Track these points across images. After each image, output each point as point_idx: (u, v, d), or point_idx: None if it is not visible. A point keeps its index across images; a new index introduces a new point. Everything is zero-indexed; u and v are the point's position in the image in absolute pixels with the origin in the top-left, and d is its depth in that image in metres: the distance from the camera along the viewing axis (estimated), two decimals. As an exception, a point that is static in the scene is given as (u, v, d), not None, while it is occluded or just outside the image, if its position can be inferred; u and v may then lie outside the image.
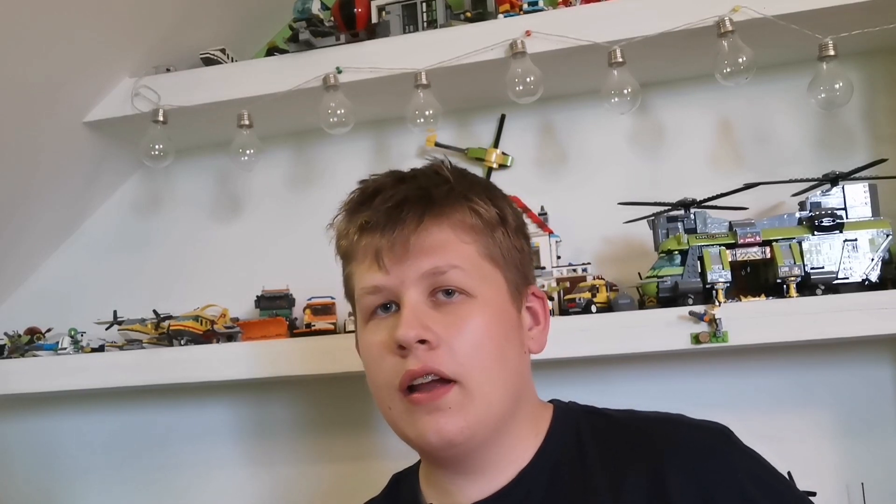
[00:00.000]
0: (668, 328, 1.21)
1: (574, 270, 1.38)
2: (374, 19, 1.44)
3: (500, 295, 0.83)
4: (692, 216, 1.28)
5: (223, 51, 1.50)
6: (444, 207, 0.81)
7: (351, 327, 1.38)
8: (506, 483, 0.83)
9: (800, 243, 1.22)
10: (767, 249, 1.23)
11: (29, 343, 1.51)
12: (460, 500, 0.84)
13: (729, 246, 1.24)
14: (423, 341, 0.77)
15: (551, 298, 1.31)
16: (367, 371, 0.84)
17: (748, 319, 1.19)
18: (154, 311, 1.48)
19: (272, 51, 1.50)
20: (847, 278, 1.21)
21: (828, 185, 1.28)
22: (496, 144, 1.55)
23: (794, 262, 1.21)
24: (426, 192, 0.81)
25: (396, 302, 0.81)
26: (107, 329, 1.51)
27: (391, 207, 0.79)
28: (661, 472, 0.79)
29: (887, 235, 1.22)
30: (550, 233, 1.42)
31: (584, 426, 0.86)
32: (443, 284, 0.79)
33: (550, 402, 0.91)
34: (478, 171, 1.54)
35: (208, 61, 1.50)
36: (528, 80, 1.31)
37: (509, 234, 0.85)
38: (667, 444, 0.81)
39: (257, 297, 1.51)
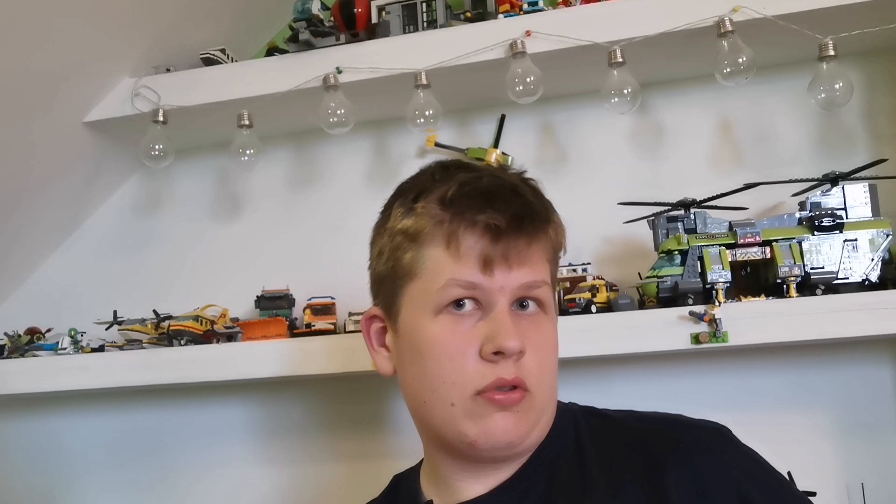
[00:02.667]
0: (668, 328, 1.21)
1: (574, 270, 1.38)
2: (374, 19, 1.44)
3: (555, 313, 0.88)
4: (692, 216, 1.28)
5: (223, 51, 1.50)
6: (547, 225, 0.85)
7: (351, 327, 1.38)
8: (505, 479, 0.84)
9: (800, 243, 1.22)
10: (767, 249, 1.23)
11: (29, 343, 1.51)
12: (461, 496, 0.84)
13: (729, 246, 1.24)
14: (521, 350, 0.80)
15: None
16: (427, 363, 0.82)
17: (748, 319, 1.19)
18: (154, 311, 1.48)
19: (272, 51, 1.50)
20: (847, 278, 1.21)
21: (828, 185, 1.28)
22: (496, 144, 1.55)
23: (794, 262, 1.21)
24: (541, 207, 0.84)
25: (479, 302, 0.81)
26: (107, 329, 1.51)
27: (517, 216, 0.81)
28: (659, 470, 0.79)
29: (887, 235, 1.22)
30: (550, 233, 1.41)
31: (582, 425, 0.87)
32: (531, 295, 0.82)
33: None
34: (478, 171, 1.54)
35: (208, 61, 1.50)
36: (528, 80, 1.31)
37: (559, 263, 0.91)
38: (664, 443, 0.82)
39: (257, 297, 1.51)
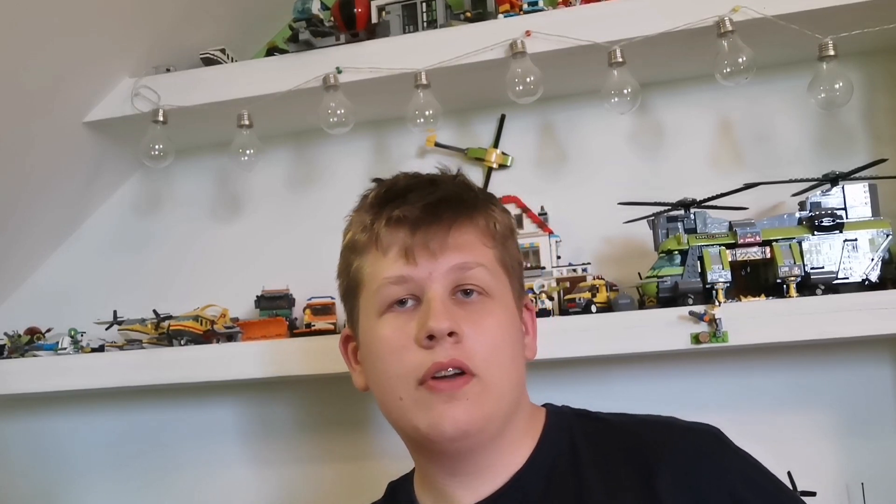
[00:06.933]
0: (668, 328, 1.21)
1: (574, 270, 1.38)
2: (374, 19, 1.44)
3: (510, 299, 0.87)
4: (692, 216, 1.28)
5: (223, 51, 1.50)
6: (473, 211, 0.86)
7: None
8: (501, 486, 0.84)
9: (800, 243, 1.22)
10: (767, 249, 1.23)
11: (29, 343, 1.51)
12: (455, 503, 0.85)
13: (729, 246, 1.24)
14: (451, 333, 0.79)
15: (551, 298, 1.31)
16: (377, 363, 0.84)
17: (748, 319, 1.19)
18: (154, 311, 1.48)
19: (272, 51, 1.50)
20: (847, 278, 1.21)
21: (828, 185, 1.28)
22: (496, 144, 1.55)
23: (794, 262, 1.21)
24: (458, 195, 0.85)
25: (418, 296, 0.82)
26: (107, 329, 1.51)
27: (430, 204, 0.82)
28: (652, 473, 0.79)
29: (887, 235, 1.22)
30: (550, 233, 1.42)
31: (576, 429, 0.87)
32: (467, 280, 0.83)
33: (543, 406, 0.92)
34: (478, 171, 1.54)
35: (208, 61, 1.50)
36: (528, 80, 1.31)
37: (515, 247, 0.91)
38: (657, 447, 0.82)
39: (257, 297, 1.51)
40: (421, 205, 0.83)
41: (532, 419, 0.89)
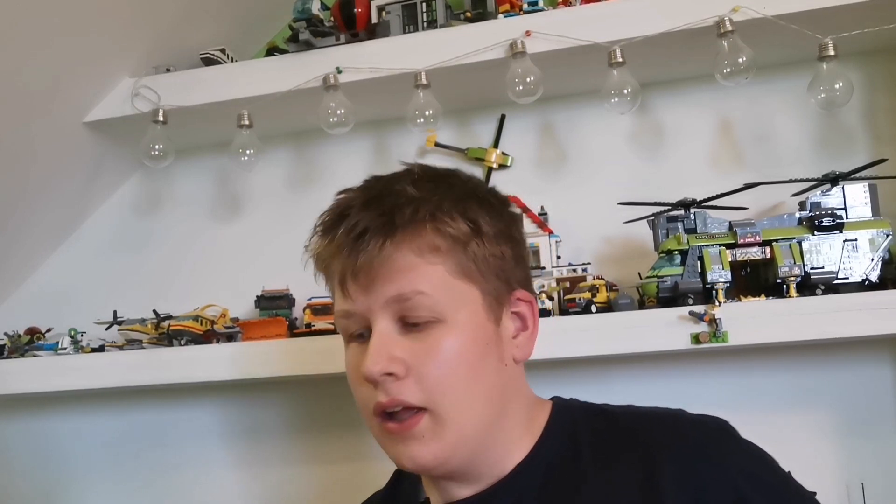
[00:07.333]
0: (668, 328, 1.21)
1: (574, 270, 1.38)
2: (374, 19, 1.44)
3: (473, 313, 0.80)
4: (692, 216, 1.28)
5: (223, 51, 1.50)
6: (406, 232, 0.78)
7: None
8: (496, 481, 0.82)
9: (800, 243, 1.22)
10: (767, 249, 1.23)
11: (29, 343, 1.51)
12: (453, 496, 0.84)
13: (729, 246, 1.24)
14: (389, 373, 0.76)
15: (551, 298, 1.31)
16: (351, 388, 0.84)
17: (748, 319, 1.19)
18: (154, 311, 1.48)
19: (272, 51, 1.50)
20: (847, 278, 1.21)
21: (828, 185, 1.28)
22: (496, 144, 1.55)
23: (794, 262, 1.21)
24: (390, 217, 0.78)
25: (369, 328, 0.79)
26: (107, 329, 1.51)
27: (355, 237, 0.77)
28: (655, 466, 0.78)
29: (887, 235, 1.22)
30: (550, 233, 1.42)
31: (581, 424, 0.85)
32: (408, 312, 0.78)
33: (552, 399, 0.91)
34: (478, 171, 1.54)
35: (208, 61, 1.50)
36: (528, 80, 1.31)
37: (485, 243, 0.81)
38: (662, 439, 0.80)
39: (257, 297, 1.51)
40: (349, 238, 0.78)
41: (533, 416, 0.86)
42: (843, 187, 1.26)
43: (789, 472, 0.83)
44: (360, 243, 0.77)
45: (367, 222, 0.77)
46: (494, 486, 0.82)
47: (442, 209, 0.79)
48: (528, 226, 1.42)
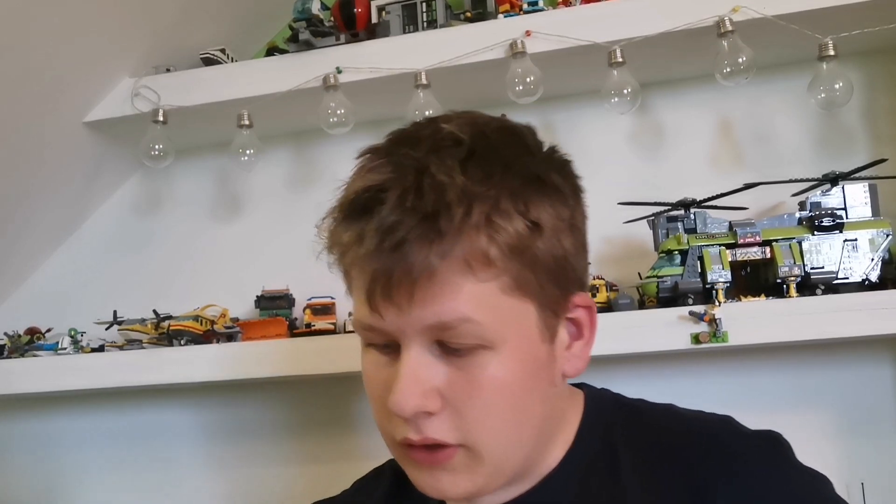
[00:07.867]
0: (668, 328, 1.21)
1: (574, 270, 1.37)
2: (374, 19, 1.44)
3: (526, 336, 0.67)
4: (692, 216, 1.28)
5: (223, 51, 1.50)
6: (454, 242, 0.62)
7: (351, 328, 1.38)
8: (528, 489, 0.74)
9: (800, 243, 1.22)
10: (767, 249, 1.23)
11: (29, 343, 1.51)
12: (477, 502, 0.76)
13: (729, 246, 1.24)
14: (423, 411, 0.65)
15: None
16: (366, 390, 0.72)
17: (748, 319, 1.19)
18: (154, 311, 1.48)
19: (272, 51, 1.50)
20: (847, 278, 1.21)
21: (828, 185, 1.28)
22: (496, 144, 1.55)
23: (794, 262, 1.21)
24: (434, 223, 0.61)
25: (398, 343, 0.66)
26: (107, 329, 1.51)
27: (391, 247, 0.61)
28: (708, 491, 0.70)
29: (887, 235, 1.22)
30: (550, 233, 1.41)
31: (616, 425, 0.77)
32: (450, 339, 0.64)
33: (580, 386, 0.82)
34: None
35: (208, 61, 1.50)
36: (528, 80, 1.31)
37: (546, 242, 0.66)
38: (714, 459, 0.71)
39: (257, 297, 1.51)
40: (376, 234, 0.62)
41: (566, 413, 0.77)
42: (843, 187, 1.26)
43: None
44: (397, 254, 0.61)
45: (407, 230, 0.61)
46: (528, 492, 0.74)
47: (499, 208, 0.63)
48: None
